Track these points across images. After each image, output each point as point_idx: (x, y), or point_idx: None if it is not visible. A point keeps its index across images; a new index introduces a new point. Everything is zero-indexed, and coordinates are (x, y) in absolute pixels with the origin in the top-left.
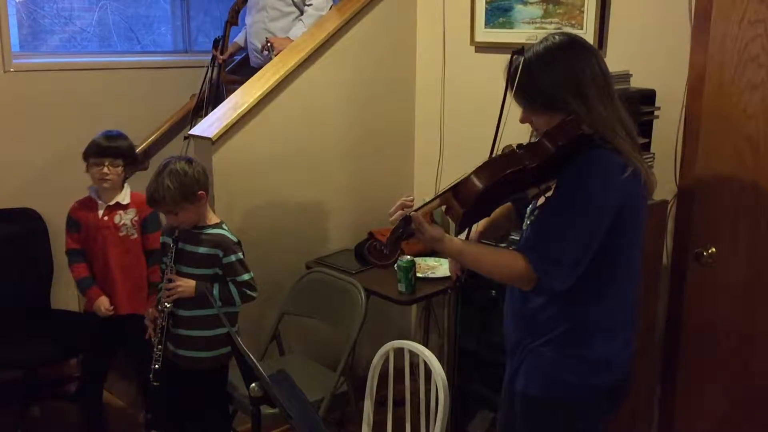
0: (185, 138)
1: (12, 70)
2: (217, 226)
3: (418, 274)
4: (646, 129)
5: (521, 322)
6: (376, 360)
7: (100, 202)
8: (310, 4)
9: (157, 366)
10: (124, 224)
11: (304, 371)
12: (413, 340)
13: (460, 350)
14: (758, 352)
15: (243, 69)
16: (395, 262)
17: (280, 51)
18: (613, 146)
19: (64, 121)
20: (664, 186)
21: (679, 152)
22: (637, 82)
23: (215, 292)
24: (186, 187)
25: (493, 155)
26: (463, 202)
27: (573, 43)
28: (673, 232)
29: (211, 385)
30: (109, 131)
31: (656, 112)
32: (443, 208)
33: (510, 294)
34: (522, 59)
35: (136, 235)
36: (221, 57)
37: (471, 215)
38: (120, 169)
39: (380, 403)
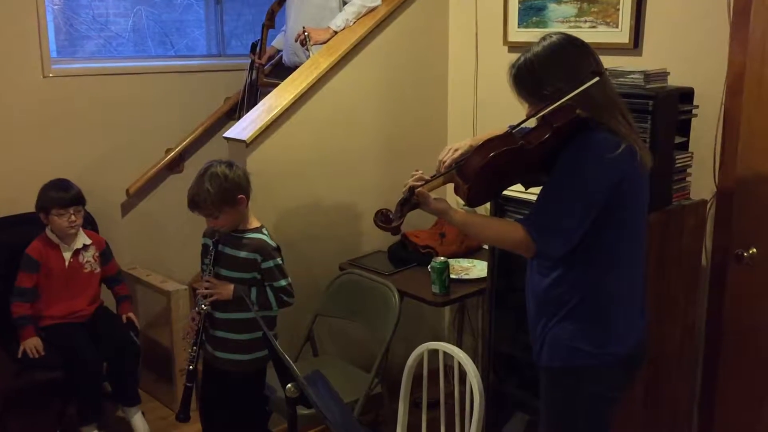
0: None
1: (51, 75)
2: (257, 230)
3: (452, 276)
4: (684, 128)
5: (541, 301)
6: (411, 361)
7: (63, 245)
8: None
9: (191, 367)
10: (87, 261)
11: (338, 372)
12: (447, 342)
13: (494, 352)
14: None
15: (279, 71)
16: (398, 228)
17: (317, 41)
18: (608, 127)
19: (100, 124)
20: (703, 186)
21: (718, 151)
22: (674, 81)
23: (252, 296)
24: (226, 191)
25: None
26: (466, 177)
27: (570, 41)
28: (712, 233)
29: (248, 387)
30: (57, 182)
31: (695, 111)
32: (453, 186)
33: (529, 277)
34: (524, 59)
35: (98, 269)
36: (259, 61)
37: (477, 192)
38: (82, 213)
39: (414, 405)
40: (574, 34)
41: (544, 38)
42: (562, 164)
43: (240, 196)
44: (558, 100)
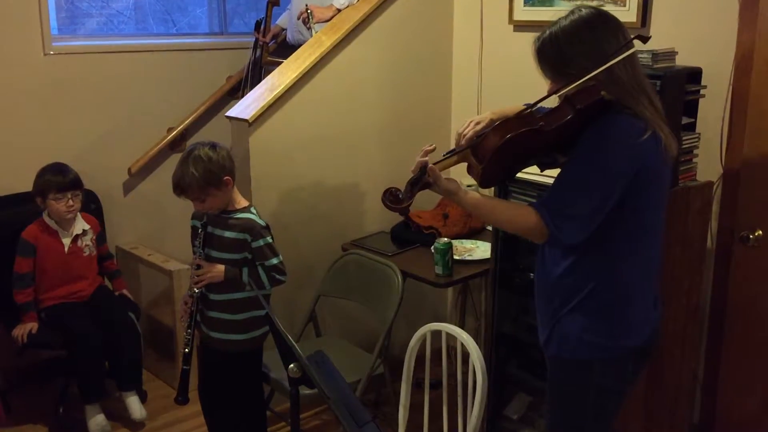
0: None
1: (51, 53)
2: (246, 210)
3: (455, 257)
4: (691, 108)
5: (552, 287)
6: (414, 342)
7: (62, 231)
8: None
9: (187, 350)
10: (86, 245)
11: (341, 352)
12: (449, 323)
13: (497, 333)
14: None
15: (283, 50)
16: (408, 208)
17: (320, 20)
18: (634, 112)
19: (102, 103)
20: (710, 167)
21: (725, 132)
22: (682, 60)
23: (244, 276)
24: (211, 173)
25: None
26: (481, 158)
27: (599, 16)
28: (718, 215)
29: (245, 367)
30: (54, 166)
31: (702, 91)
32: (466, 166)
33: (540, 262)
34: (549, 33)
35: (95, 252)
36: (263, 39)
37: (491, 173)
38: (80, 197)
39: (416, 385)
40: None
41: (572, 11)
42: (582, 148)
43: (226, 177)
44: (582, 78)
